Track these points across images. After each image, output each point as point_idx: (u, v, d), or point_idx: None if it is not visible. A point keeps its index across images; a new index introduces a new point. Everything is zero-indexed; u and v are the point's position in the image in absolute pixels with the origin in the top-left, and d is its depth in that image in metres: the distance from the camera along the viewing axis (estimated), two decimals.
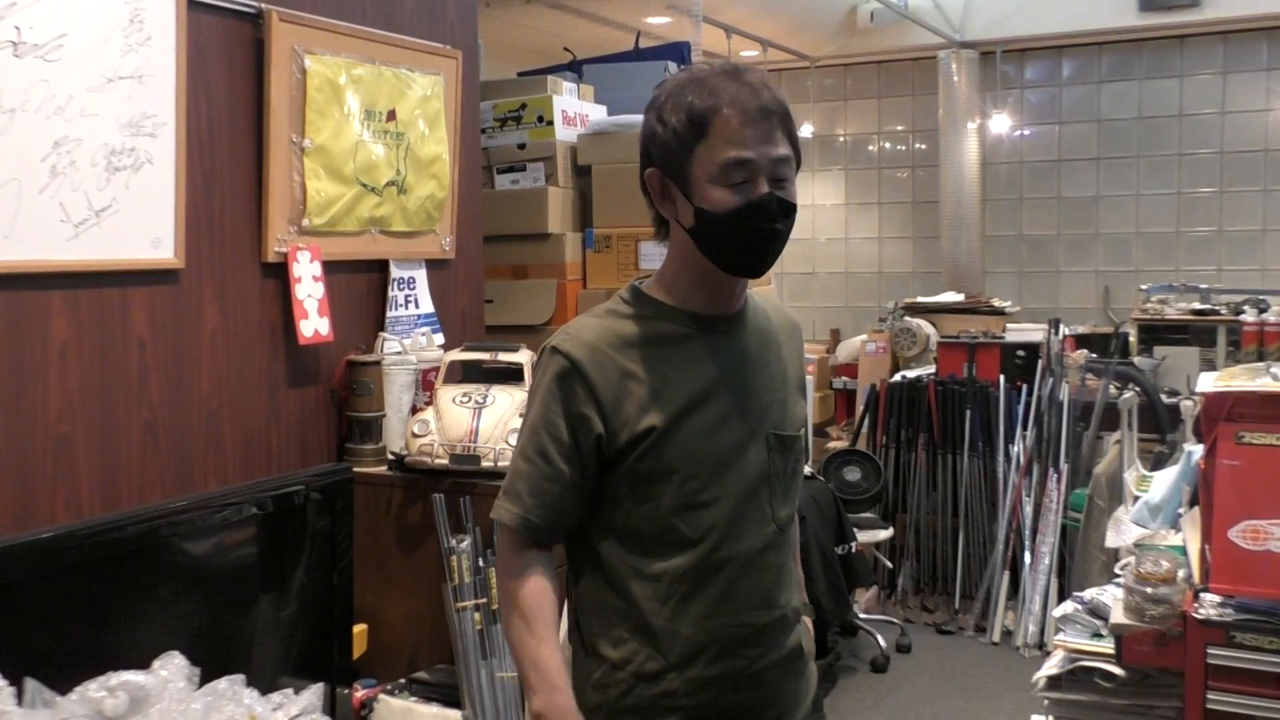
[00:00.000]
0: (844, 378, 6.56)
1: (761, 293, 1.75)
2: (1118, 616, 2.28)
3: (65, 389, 2.42)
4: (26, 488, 2.35)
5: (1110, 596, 2.43)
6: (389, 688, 2.83)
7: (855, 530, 4.54)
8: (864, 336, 6.25)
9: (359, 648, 2.90)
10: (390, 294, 3.24)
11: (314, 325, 2.94)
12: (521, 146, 4.02)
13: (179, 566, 2.45)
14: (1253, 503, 2.13)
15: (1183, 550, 2.45)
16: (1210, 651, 2.13)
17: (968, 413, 5.21)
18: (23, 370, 2.35)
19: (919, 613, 5.21)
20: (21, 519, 2.32)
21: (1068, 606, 2.55)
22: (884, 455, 5.35)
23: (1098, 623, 2.43)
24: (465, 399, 2.95)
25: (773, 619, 1.61)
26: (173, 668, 2.02)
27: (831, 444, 5.80)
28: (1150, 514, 2.83)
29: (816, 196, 8.67)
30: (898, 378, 5.52)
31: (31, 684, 2.01)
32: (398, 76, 3.18)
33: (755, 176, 1.51)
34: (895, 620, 4.98)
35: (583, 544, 1.62)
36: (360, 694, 2.80)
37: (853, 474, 5.01)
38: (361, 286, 3.20)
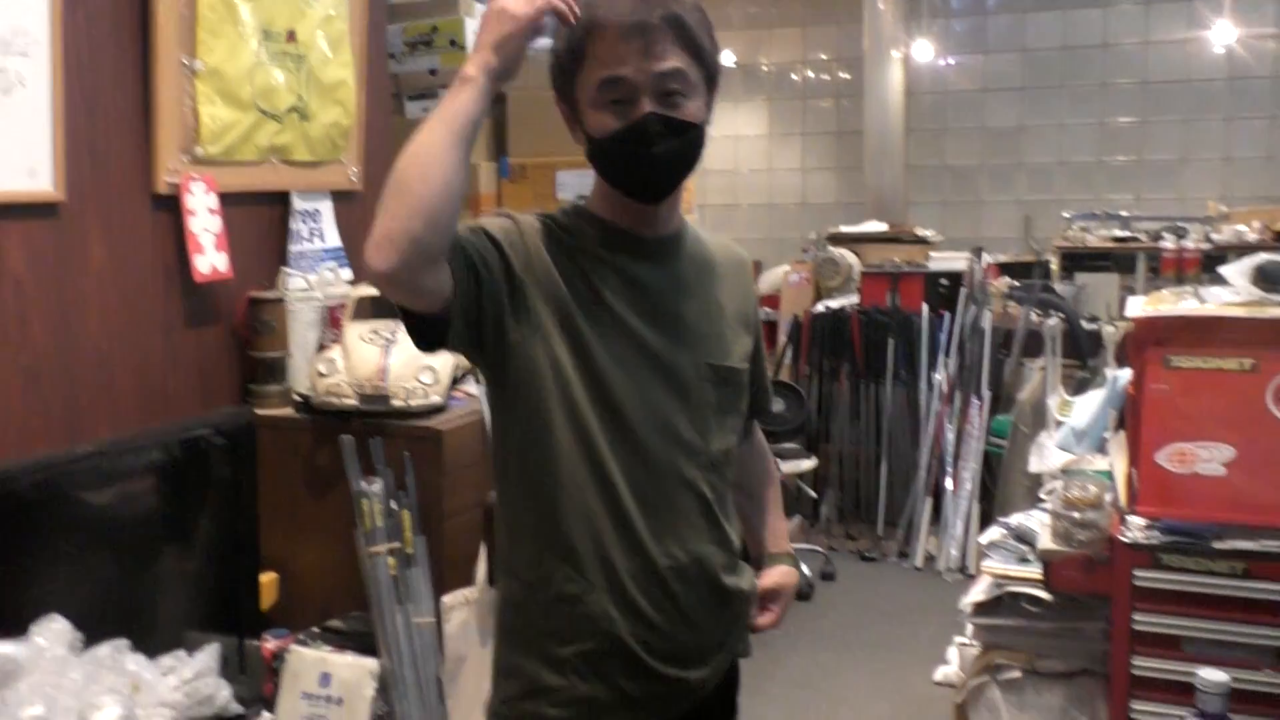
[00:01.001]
0: (766, 309, 6.50)
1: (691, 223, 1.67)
2: (1045, 542, 2.26)
3: None
4: None
5: (1037, 522, 2.41)
6: (301, 637, 2.72)
7: (779, 461, 4.51)
8: (786, 267, 6.20)
9: (269, 597, 2.79)
10: (293, 227, 3.07)
11: (211, 261, 2.78)
12: (433, 72, 3.84)
13: (70, 521, 2.30)
14: (1181, 426, 2.11)
15: (1109, 475, 2.43)
16: (1136, 574, 2.12)
17: (891, 342, 5.20)
18: None
19: (843, 540, 5.23)
20: None
21: (994, 532, 2.53)
22: (807, 385, 5.33)
23: (1024, 548, 2.41)
24: (374, 336, 2.82)
25: (701, 554, 1.54)
26: (51, 634, 1.85)
27: None
28: (1075, 439, 2.82)
29: (740, 127, 8.56)
30: (821, 308, 5.49)
31: None
32: None
33: (634, 95, 1.42)
34: (819, 549, 5.00)
35: (503, 460, 1.54)
36: (271, 645, 2.69)
37: (775, 405, 4.97)
38: (263, 219, 3.03)
